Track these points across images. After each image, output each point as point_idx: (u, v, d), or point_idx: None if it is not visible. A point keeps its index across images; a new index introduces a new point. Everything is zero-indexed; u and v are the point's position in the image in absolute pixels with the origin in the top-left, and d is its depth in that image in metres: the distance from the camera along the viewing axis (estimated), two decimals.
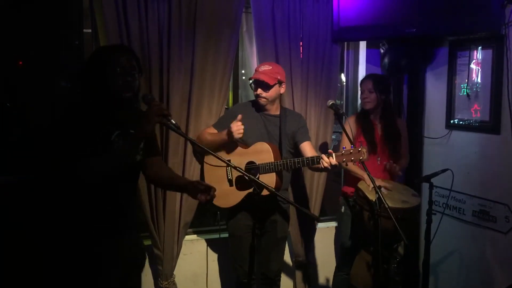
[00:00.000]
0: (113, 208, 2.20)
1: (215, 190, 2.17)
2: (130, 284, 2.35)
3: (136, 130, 2.12)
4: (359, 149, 2.51)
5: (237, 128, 2.67)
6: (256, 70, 2.92)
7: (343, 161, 2.55)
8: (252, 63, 3.76)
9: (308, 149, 2.89)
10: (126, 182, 2.25)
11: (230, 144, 2.88)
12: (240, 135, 2.69)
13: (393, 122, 3.30)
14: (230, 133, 2.69)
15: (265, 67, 2.88)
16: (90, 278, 2.18)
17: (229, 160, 2.74)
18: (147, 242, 3.29)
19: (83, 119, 2.10)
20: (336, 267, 3.48)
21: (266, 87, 2.84)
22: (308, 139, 2.95)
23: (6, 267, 2.80)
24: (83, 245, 2.17)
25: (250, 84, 2.92)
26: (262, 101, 2.88)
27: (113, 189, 2.18)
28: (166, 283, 3.23)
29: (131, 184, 2.32)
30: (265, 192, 2.29)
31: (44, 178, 2.78)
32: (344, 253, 3.38)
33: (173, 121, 2.08)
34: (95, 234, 2.17)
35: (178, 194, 3.17)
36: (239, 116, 2.72)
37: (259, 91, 2.85)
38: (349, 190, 3.30)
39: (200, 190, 2.20)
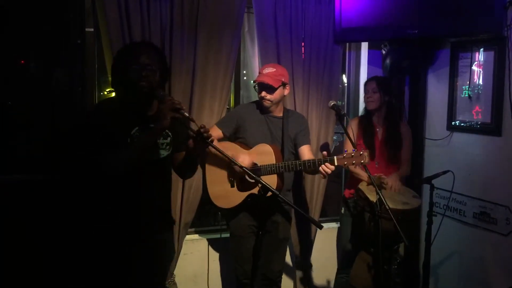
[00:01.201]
0: (138, 204, 2.25)
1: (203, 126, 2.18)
2: (156, 279, 2.39)
3: (153, 126, 2.18)
4: (361, 152, 2.51)
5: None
6: (260, 73, 2.92)
7: (344, 164, 2.55)
8: (254, 63, 3.76)
9: (306, 153, 2.89)
10: (152, 178, 2.29)
11: (232, 146, 2.89)
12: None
13: (395, 127, 3.30)
14: (233, 166, 2.73)
15: (269, 69, 2.87)
16: (112, 274, 2.23)
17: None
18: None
19: (106, 115, 2.18)
20: (338, 269, 3.49)
21: (271, 89, 2.84)
22: (308, 142, 2.96)
23: (27, 264, 2.82)
24: (107, 241, 2.23)
25: (254, 86, 2.92)
26: (266, 103, 2.88)
27: (137, 184, 2.23)
28: (166, 282, 3.23)
29: (158, 180, 2.34)
30: (269, 194, 2.29)
31: (67, 175, 2.84)
32: (345, 254, 3.38)
33: (187, 114, 2.13)
34: (119, 230, 2.23)
35: (179, 195, 3.17)
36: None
37: (264, 93, 2.85)
38: (349, 192, 3.30)
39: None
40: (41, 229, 2.84)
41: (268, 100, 2.86)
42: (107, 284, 2.24)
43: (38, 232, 2.83)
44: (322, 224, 3.79)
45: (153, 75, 2.21)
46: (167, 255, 2.56)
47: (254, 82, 2.92)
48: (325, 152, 2.60)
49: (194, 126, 2.23)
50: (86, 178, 2.26)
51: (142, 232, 2.26)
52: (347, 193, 3.33)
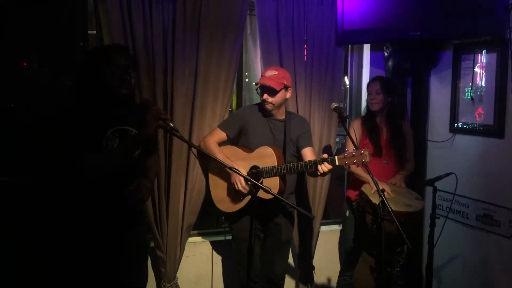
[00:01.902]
0: (114, 204, 2.26)
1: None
2: (131, 278, 2.42)
3: (137, 134, 2.21)
4: (362, 151, 2.51)
5: (241, 186, 2.76)
6: (262, 75, 2.92)
7: (346, 164, 2.55)
8: (256, 65, 3.77)
9: (309, 155, 2.89)
10: (127, 178, 2.31)
11: (234, 149, 2.90)
12: (240, 190, 2.77)
13: (398, 125, 3.30)
14: (232, 177, 2.76)
15: (271, 72, 2.87)
16: (89, 274, 2.23)
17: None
18: (150, 244, 3.29)
19: (79, 116, 2.17)
20: (340, 271, 3.48)
21: (273, 92, 2.84)
22: (310, 145, 2.95)
23: (9, 266, 2.82)
24: (83, 241, 2.24)
25: (256, 89, 2.92)
26: (269, 106, 2.88)
27: (113, 185, 2.24)
28: (169, 285, 3.22)
29: (130, 179, 2.36)
30: (268, 196, 2.29)
31: (43, 176, 2.83)
32: (348, 256, 3.37)
33: (171, 124, 2.14)
34: (96, 229, 2.24)
35: (181, 196, 3.17)
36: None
37: (265, 96, 2.85)
38: (352, 194, 3.29)
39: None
40: (13, 228, 2.84)
41: (270, 103, 2.86)
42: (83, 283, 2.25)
43: (10, 232, 2.83)
44: (324, 226, 3.84)
45: (132, 78, 2.23)
46: (140, 252, 2.57)
47: (256, 84, 2.92)
48: (325, 154, 2.60)
49: (177, 137, 2.25)
50: (62, 180, 2.26)
51: (115, 231, 2.28)
52: (351, 194, 3.32)
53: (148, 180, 2.47)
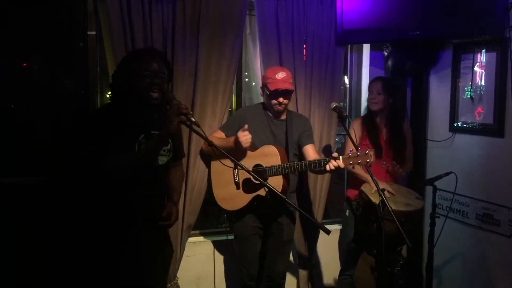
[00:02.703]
0: (136, 208, 2.28)
1: None
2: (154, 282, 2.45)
3: (160, 131, 2.17)
4: (366, 151, 2.50)
5: (245, 138, 2.66)
6: (271, 78, 2.83)
7: (350, 164, 2.54)
8: (256, 65, 3.77)
9: (310, 152, 2.88)
10: (149, 183, 2.31)
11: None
12: (248, 144, 2.68)
13: (399, 126, 3.30)
14: (237, 142, 2.68)
15: (283, 74, 2.83)
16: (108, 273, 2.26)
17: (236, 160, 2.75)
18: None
19: (112, 120, 2.17)
20: (341, 270, 3.48)
21: (289, 94, 2.85)
22: (312, 142, 2.95)
23: (24, 262, 2.83)
24: (104, 243, 2.25)
25: (271, 93, 2.83)
26: (282, 108, 2.88)
27: (134, 189, 2.25)
28: (169, 285, 3.22)
29: (154, 186, 2.37)
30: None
31: (69, 177, 2.85)
32: (348, 256, 3.37)
33: (193, 119, 2.11)
34: (117, 233, 2.25)
35: (182, 196, 3.17)
36: (246, 126, 2.71)
37: (281, 99, 2.84)
38: (352, 193, 3.29)
39: None
40: (39, 230, 2.85)
41: (284, 104, 2.87)
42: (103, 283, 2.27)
43: (36, 233, 2.84)
44: (324, 225, 3.82)
45: (164, 83, 2.20)
46: (164, 255, 2.59)
47: (272, 90, 2.80)
48: (335, 153, 2.58)
49: (198, 133, 2.21)
50: (86, 179, 2.27)
51: (134, 235, 2.28)
52: (351, 193, 3.32)
53: (175, 206, 2.54)
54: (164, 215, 2.43)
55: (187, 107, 2.13)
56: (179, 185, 2.67)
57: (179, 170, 2.71)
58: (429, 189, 3.03)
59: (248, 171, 2.17)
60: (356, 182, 3.25)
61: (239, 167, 2.31)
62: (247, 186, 2.80)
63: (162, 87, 2.20)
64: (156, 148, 2.23)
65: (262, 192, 2.27)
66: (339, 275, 3.47)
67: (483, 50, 3.26)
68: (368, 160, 2.50)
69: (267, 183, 2.14)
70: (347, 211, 3.36)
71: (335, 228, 3.85)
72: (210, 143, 2.15)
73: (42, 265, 2.81)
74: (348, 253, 3.37)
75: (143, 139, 2.21)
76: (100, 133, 2.15)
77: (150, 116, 2.26)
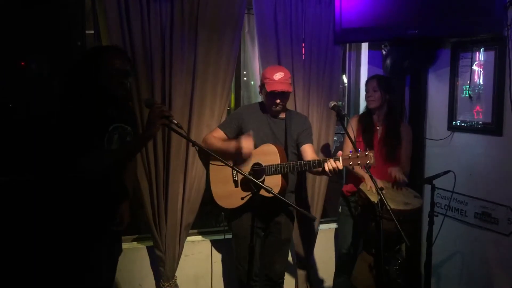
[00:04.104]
0: (110, 200, 2.33)
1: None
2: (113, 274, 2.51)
3: (142, 134, 2.21)
4: (366, 153, 2.50)
5: (248, 146, 2.69)
6: (269, 78, 2.82)
7: (350, 165, 2.54)
8: (254, 64, 3.77)
9: (309, 152, 2.88)
10: (118, 174, 2.39)
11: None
12: (248, 155, 2.71)
13: (396, 127, 3.29)
14: (239, 149, 2.69)
15: (280, 75, 2.81)
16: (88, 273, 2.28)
17: (235, 161, 2.75)
18: (149, 243, 3.29)
19: (79, 116, 2.17)
20: (336, 270, 3.48)
21: (286, 95, 2.86)
22: (310, 142, 2.95)
23: (6, 266, 2.82)
24: (84, 239, 2.25)
25: (268, 94, 2.84)
26: (280, 108, 2.88)
27: (109, 183, 2.30)
28: (167, 284, 3.23)
29: (121, 175, 2.45)
30: (269, 194, 2.29)
31: (46, 176, 2.82)
32: (343, 255, 3.37)
33: (175, 121, 2.13)
34: (96, 228, 2.27)
35: (180, 195, 3.17)
36: (251, 132, 2.72)
37: (279, 101, 2.84)
38: (346, 189, 3.31)
39: None
40: (12, 228, 2.85)
41: (282, 105, 2.87)
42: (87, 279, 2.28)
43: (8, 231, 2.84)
44: (322, 224, 3.84)
45: (128, 82, 2.26)
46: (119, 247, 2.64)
47: (269, 91, 2.80)
48: (340, 152, 2.58)
49: (181, 135, 2.25)
50: (65, 179, 2.26)
51: (108, 226, 2.35)
52: (344, 189, 3.33)
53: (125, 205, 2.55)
54: (118, 221, 2.46)
55: (168, 109, 2.17)
56: (132, 183, 2.70)
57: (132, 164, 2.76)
58: (427, 187, 3.03)
59: (245, 175, 2.21)
60: (353, 178, 3.26)
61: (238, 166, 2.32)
62: (246, 184, 2.80)
63: (127, 86, 2.27)
64: (136, 149, 2.30)
65: (262, 191, 2.27)
66: (335, 274, 3.47)
67: (481, 49, 3.26)
68: (368, 161, 2.50)
69: (266, 185, 2.16)
70: (340, 207, 3.37)
71: (333, 226, 3.85)
72: (193, 143, 2.22)
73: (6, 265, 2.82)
74: (342, 252, 3.36)
75: (111, 131, 2.25)
76: (71, 130, 2.15)
77: (113, 110, 2.30)
